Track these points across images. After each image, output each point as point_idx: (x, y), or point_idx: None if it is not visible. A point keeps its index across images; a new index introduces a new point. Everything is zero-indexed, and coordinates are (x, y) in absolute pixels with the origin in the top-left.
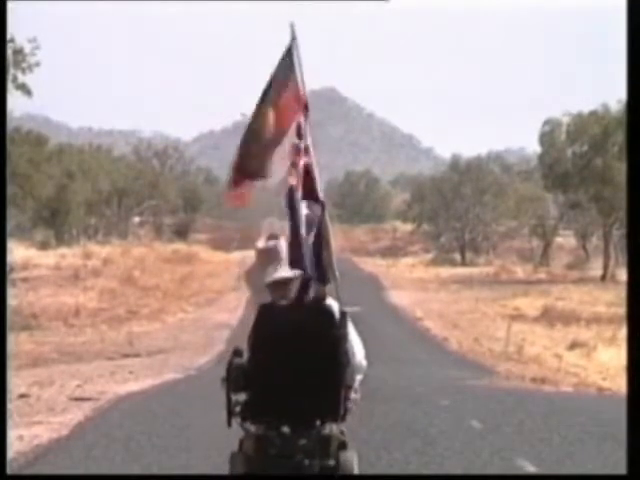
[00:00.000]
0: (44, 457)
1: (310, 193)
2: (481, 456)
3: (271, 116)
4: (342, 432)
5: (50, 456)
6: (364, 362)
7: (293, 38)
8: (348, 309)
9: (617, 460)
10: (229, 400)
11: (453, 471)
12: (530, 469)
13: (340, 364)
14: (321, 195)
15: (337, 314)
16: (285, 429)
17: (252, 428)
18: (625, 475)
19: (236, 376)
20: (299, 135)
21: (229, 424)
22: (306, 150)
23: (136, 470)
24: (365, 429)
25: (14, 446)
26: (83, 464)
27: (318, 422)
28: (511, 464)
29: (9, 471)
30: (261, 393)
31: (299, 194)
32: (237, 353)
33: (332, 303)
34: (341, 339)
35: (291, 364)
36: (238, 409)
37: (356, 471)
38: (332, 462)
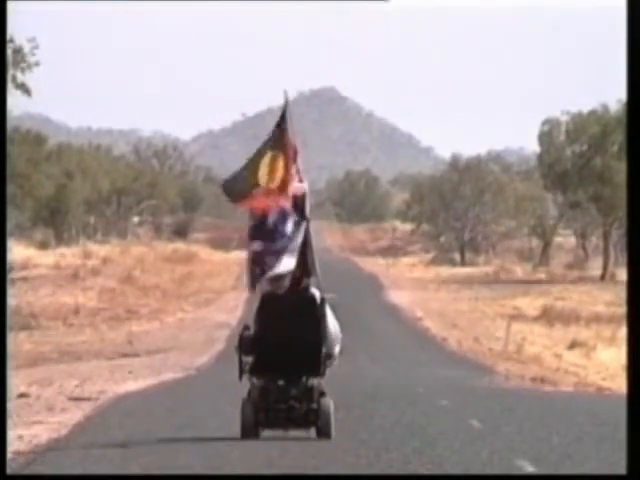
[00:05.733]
0: (43, 457)
1: (301, 213)
2: (481, 456)
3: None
4: (321, 384)
5: (49, 456)
6: (339, 334)
7: (286, 104)
8: (328, 296)
9: (617, 460)
10: (240, 361)
11: (453, 471)
12: (529, 469)
13: (320, 335)
14: (308, 213)
15: (319, 300)
16: (281, 382)
17: (257, 381)
18: (625, 475)
19: (245, 344)
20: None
21: (240, 379)
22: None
23: (135, 470)
24: (365, 429)
25: (13, 446)
26: (82, 464)
27: (304, 377)
28: (511, 464)
29: (9, 471)
30: (264, 356)
31: (291, 215)
32: (246, 328)
33: (315, 291)
34: (321, 318)
35: (286, 335)
36: (247, 368)
37: (332, 414)
38: (315, 406)
